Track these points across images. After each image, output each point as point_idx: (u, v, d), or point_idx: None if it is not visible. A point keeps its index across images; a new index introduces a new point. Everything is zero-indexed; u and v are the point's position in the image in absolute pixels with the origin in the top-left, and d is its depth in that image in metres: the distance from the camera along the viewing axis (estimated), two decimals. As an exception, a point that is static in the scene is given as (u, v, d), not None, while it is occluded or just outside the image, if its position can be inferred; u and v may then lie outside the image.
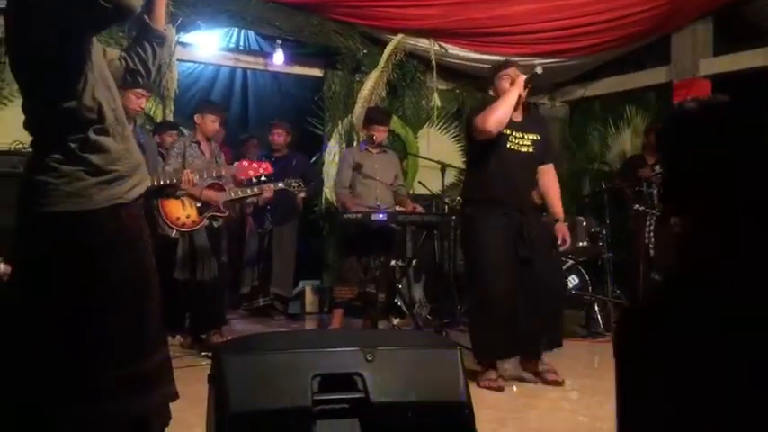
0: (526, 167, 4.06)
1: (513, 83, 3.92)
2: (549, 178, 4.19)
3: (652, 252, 5.80)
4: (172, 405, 2.23)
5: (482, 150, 3.98)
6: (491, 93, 4.08)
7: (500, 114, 3.82)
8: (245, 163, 4.83)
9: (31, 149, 2.06)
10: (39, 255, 1.94)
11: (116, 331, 1.99)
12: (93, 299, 1.95)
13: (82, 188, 1.96)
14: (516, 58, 6.66)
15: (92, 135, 1.98)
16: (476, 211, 4.00)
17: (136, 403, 2.01)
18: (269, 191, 5.14)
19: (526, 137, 4.03)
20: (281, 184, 5.18)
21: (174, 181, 4.51)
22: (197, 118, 4.91)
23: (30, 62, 1.92)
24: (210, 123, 4.88)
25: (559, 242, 4.11)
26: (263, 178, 4.88)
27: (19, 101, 2.08)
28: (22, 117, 2.08)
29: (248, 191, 5.05)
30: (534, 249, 3.94)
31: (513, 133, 3.97)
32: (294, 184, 5.24)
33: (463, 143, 6.49)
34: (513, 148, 3.99)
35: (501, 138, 3.92)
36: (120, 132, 2.07)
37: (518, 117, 4.02)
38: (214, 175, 4.78)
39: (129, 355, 2.02)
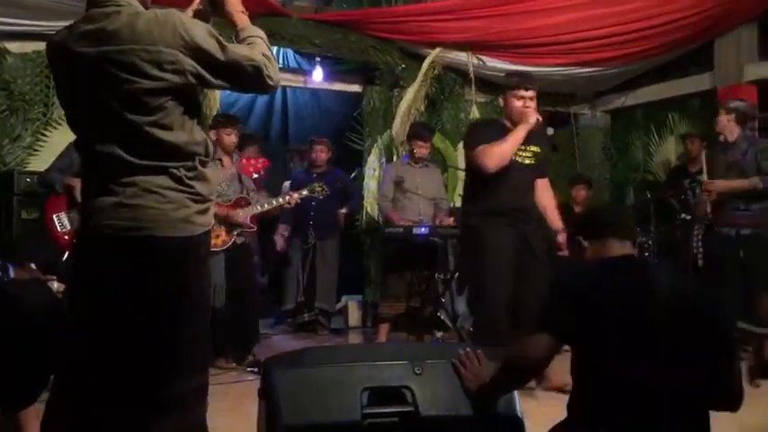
0: (528, 179, 4.12)
1: (525, 112, 3.92)
2: (546, 192, 4.27)
3: (700, 262, 5.68)
4: (221, 419, 2.25)
5: None
6: (500, 102, 4.13)
7: (505, 157, 3.90)
8: (244, 161, 4.90)
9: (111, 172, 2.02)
10: (142, 277, 1.96)
11: (198, 344, 2.07)
12: (184, 318, 2.01)
13: (188, 215, 2.01)
14: (556, 69, 6.72)
15: (198, 166, 2.06)
16: (481, 222, 4.01)
17: (202, 413, 2.07)
18: (294, 199, 5.08)
19: (528, 149, 4.09)
20: (305, 192, 5.13)
21: None
22: (213, 134, 4.84)
23: (154, 97, 1.95)
24: (227, 137, 4.84)
25: (562, 252, 4.17)
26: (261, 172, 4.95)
27: (65, 125, 2.13)
28: (69, 139, 2.14)
29: (274, 202, 5.05)
30: (536, 262, 3.99)
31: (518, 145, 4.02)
32: (318, 188, 5.17)
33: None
34: (518, 160, 4.04)
35: None
36: (213, 164, 2.18)
37: None
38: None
39: (204, 366, 2.13)
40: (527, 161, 4.07)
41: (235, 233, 4.77)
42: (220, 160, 4.82)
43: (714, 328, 1.91)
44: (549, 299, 2.04)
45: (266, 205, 4.97)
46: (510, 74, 4.28)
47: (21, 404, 2.51)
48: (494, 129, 4.06)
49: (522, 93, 3.99)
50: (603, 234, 2.12)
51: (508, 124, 4.05)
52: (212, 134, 4.87)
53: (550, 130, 4.06)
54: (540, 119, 4.00)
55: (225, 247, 4.71)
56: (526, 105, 3.97)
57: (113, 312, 1.98)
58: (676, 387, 1.83)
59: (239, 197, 4.83)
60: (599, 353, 1.88)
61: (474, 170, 4.05)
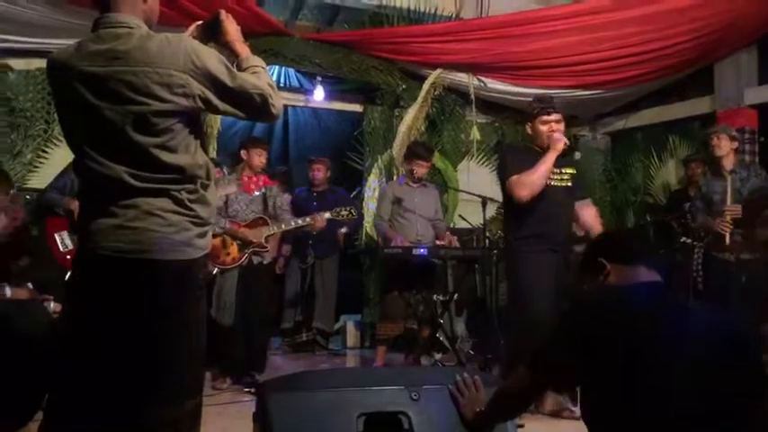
0: (567, 201, 4.12)
1: (552, 138, 3.94)
2: (591, 212, 4.26)
3: (700, 286, 5.65)
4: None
5: None
6: (528, 129, 4.16)
7: (536, 186, 3.90)
8: (245, 178, 4.87)
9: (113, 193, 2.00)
10: (141, 299, 1.95)
11: (194, 367, 2.07)
12: (182, 341, 2.00)
13: (189, 238, 2.01)
14: (557, 91, 6.73)
15: (200, 189, 2.06)
16: (522, 244, 4.02)
17: None
18: (317, 221, 4.95)
19: (564, 171, 4.10)
20: (327, 215, 5.04)
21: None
22: (243, 153, 4.93)
23: (162, 119, 1.96)
24: (257, 157, 4.91)
25: None
26: (263, 189, 4.89)
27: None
28: (70, 157, 2.12)
29: (292, 223, 4.96)
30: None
31: (552, 169, 4.01)
32: (344, 213, 5.09)
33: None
34: (555, 185, 4.05)
35: None
36: (213, 187, 2.16)
37: None
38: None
39: (198, 389, 2.11)
40: (563, 184, 4.08)
41: (247, 251, 4.73)
42: (240, 180, 4.86)
43: (747, 359, 1.73)
44: (555, 329, 1.85)
45: (284, 225, 4.92)
46: (533, 100, 4.28)
47: (15, 424, 2.49)
48: (525, 156, 4.06)
49: (546, 117, 4.03)
50: (633, 260, 1.91)
51: (538, 149, 4.07)
52: (243, 154, 4.95)
53: (578, 155, 4.03)
54: (568, 142, 4.02)
55: (236, 265, 4.69)
56: (552, 129, 4.00)
57: (111, 334, 1.95)
58: (711, 423, 1.64)
59: (258, 217, 4.82)
60: (630, 387, 1.65)
61: (510, 197, 4.06)
